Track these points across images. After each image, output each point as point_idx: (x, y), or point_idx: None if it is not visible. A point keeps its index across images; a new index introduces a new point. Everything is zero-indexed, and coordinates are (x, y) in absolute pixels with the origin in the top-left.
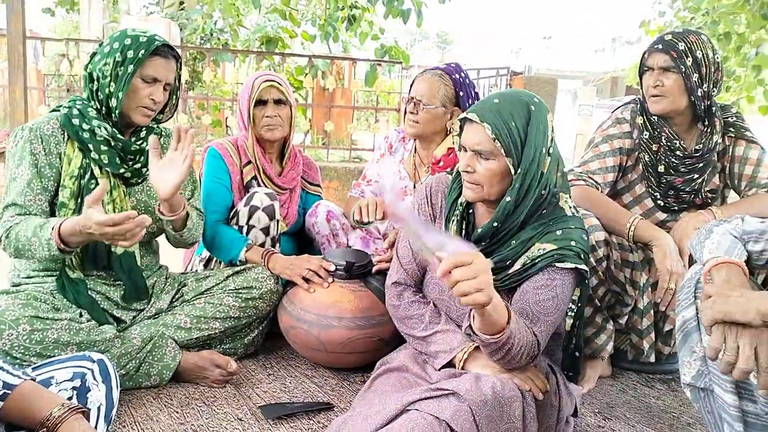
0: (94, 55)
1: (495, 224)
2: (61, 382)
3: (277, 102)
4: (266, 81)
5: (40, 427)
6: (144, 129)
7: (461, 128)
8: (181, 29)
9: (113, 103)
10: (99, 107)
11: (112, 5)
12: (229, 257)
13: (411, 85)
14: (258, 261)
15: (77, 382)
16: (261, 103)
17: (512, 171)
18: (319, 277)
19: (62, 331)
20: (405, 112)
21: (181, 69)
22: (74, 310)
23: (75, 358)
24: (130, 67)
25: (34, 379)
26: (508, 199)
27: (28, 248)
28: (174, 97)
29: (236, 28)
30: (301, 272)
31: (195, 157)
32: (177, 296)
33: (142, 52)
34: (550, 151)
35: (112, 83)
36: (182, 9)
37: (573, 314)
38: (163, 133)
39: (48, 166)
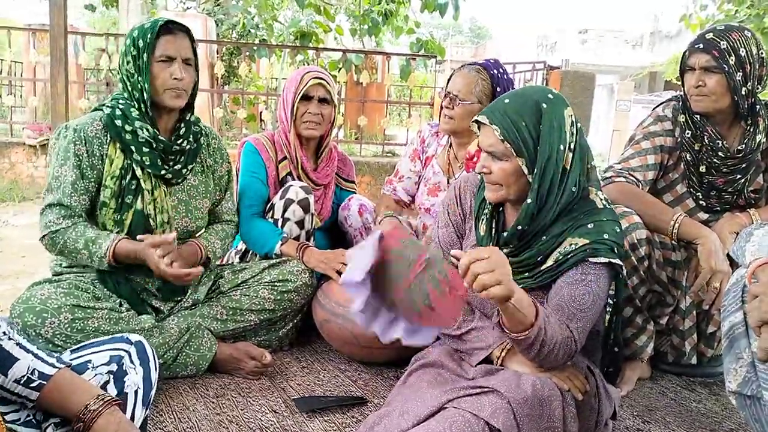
0: (123, 56)
1: (519, 227)
2: (97, 366)
3: (322, 100)
4: (315, 78)
5: (76, 422)
6: (183, 126)
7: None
8: (217, 25)
9: (145, 95)
10: (138, 106)
11: (150, 1)
12: (265, 250)
13: (448, 81)
14: (293, 254)
15: (114, 366)
16: (306, 98)
17: (525, 171)
18: None
19: (102, 320)
20: (441, 108)
21: (194, 43)
22: (114, 299)
23: (113, 341)
24: (145, 55)
25: (70, 365)
26: (529, 201)
27: (75, 256)
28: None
29: (271, 23)
30: (335, 266)
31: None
32: (213, 288)
33: (149, 36)
34: (572, 147)
35: (138, 77)
36: (218, 5)
37: (610, 309)
38: (203, 131)
39: (90, 168)
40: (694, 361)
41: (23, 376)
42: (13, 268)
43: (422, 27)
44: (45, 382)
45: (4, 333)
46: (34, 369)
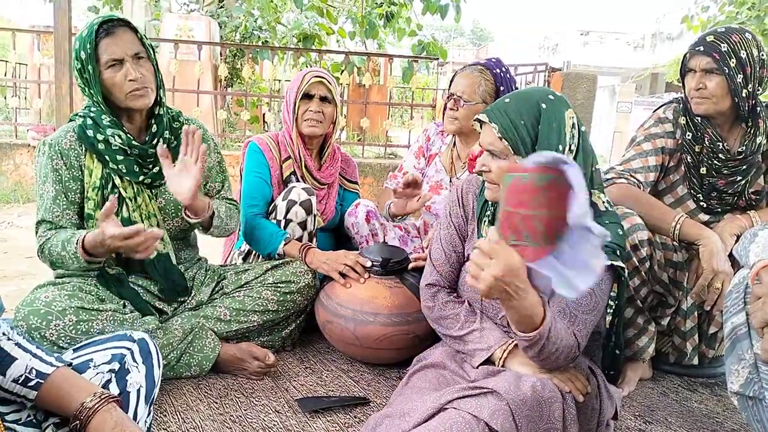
0: (73, 71)
1: None
2: (99, 365)
3: (323, 99)
4: (316, 77)
5: (73, 420)
6: (154, 123)
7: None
8: (221, 27)
9: (103, 107)
10: (108, 113)
11: (154, 3)
12: (268, 251)
13: (451, 82)
14: (296, 255)
15: (115, 365)
16: (307, 97)
17: None
18: (356, 272)
19: (107, 321)
20: (444, 108)
21: (139, 33)
22: (118, 301)
23: (115, 338)
24: (90, 67)
25: (70, 364)
26: None
27: (61, 262)
28: (153, 64)
29: (274, 25)
30: (337, 267)
31: (234, 152)
32: (217, 289)
33: (89, 45)
34: (572, 148)
35: (90, 90)
36: (222, 7)
37: (611, 311)
38: (185, 124)
39: (71, 180)
40: (695, 361)
41: (21, 376)
42: (18, 269)
43: (424, 29)
44: (42, 381)
45: (4, 333)
46: (32, 368)
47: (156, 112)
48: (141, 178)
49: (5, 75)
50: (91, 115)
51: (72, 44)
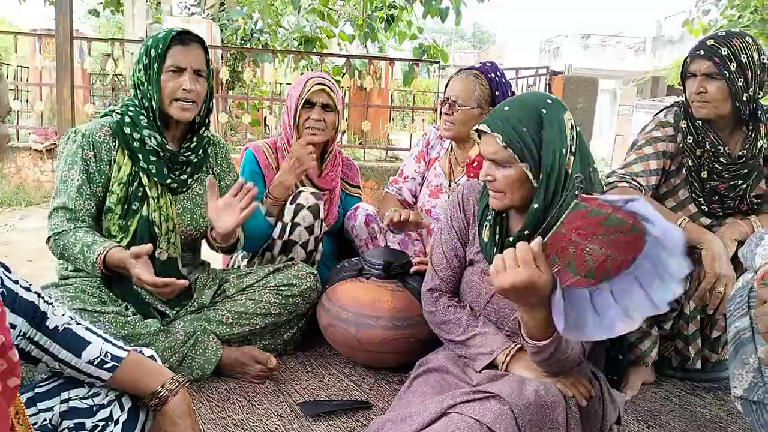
0: (136, 65)
1: (526, 232)
2: None
3: (325, 106)
4: (318, 84)
5: (151, 398)
6: (195, 140)
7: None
8: (221, 30)
9: (154, 105)
10: (147, 114)
11: (155, 6)
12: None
13: (446, 86)
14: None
15: None
16: (309, 104)
17: (530, 177)
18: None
19: (109, 323)
20: (440, 114)
21: (208, 55)
22: (120, 303)
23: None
24: (155, 65)
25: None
26: (535, 206)
27: (74, 260)
28: (209, 86)
29: (275, 28)
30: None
31: (235, 155)
32: (219, 292)
33: (161, 46)
34: (573, 150)
35: (148, 86)
36: (223, 10)
37: None
38: (211, 141)
39: (98, 173)
40: (698, 365)
41: (97, 358)
42: (20, 272)
43: (425, 32)
44: (118, 364)
45: (71, 318)
46: (107, 352)
47: (201, 133)
48: (168, 181)
49: (7, 78)
50: (129, 113)
51: (73, 47)
